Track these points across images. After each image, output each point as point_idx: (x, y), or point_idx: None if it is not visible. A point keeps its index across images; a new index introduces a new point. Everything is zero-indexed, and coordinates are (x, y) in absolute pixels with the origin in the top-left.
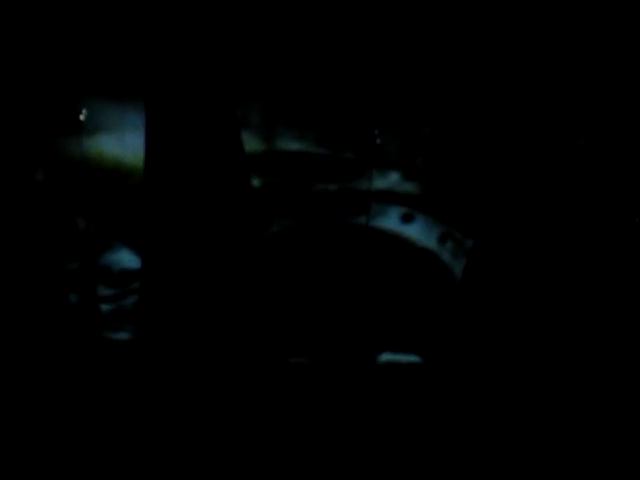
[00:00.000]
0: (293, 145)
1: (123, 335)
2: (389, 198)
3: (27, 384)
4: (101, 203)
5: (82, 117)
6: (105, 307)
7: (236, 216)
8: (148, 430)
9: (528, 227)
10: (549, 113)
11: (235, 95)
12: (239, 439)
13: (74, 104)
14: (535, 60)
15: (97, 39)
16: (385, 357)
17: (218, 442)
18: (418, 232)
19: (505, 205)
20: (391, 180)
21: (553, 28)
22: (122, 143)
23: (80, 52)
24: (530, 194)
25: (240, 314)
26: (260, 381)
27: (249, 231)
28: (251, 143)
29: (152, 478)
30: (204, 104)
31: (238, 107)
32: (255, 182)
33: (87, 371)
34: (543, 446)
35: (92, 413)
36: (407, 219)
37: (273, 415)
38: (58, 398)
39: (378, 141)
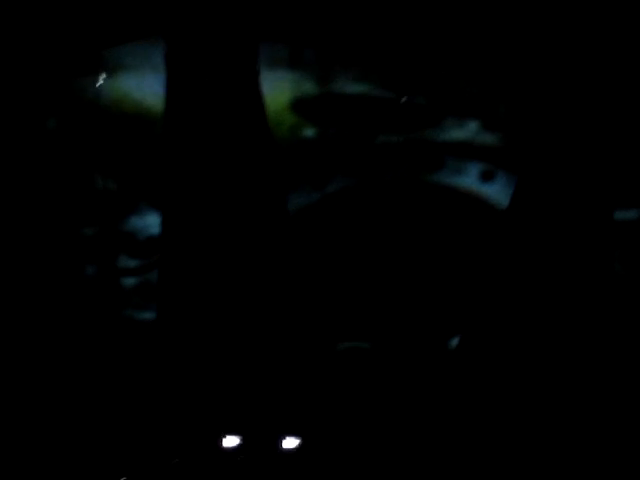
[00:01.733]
0: (353, 87)
1: (149, 315)
2: (466, 152)
3: (39, 368)
4: (124, 156)
5: (100, 56)
6: (128, 281)
7: (258, 170)
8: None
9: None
10: None
11: (258, 36)
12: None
13: (92, 42)
14: None
15: None
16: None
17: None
18: (499, 192)
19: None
20: (469, 130)
21: None
22: (146, 85)
23: None
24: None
25: (277, 287)
26: (306, 367)
27: (274, 188)
28: (304, 85)
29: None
30: (225, 44)
31: (261, 47)
32: (309, 132)
33: (106, 356)
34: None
35: (109, 403)
36: (487, 177)
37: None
38: (71, 385)
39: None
